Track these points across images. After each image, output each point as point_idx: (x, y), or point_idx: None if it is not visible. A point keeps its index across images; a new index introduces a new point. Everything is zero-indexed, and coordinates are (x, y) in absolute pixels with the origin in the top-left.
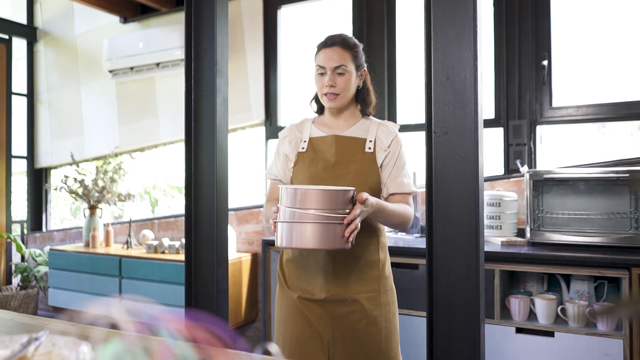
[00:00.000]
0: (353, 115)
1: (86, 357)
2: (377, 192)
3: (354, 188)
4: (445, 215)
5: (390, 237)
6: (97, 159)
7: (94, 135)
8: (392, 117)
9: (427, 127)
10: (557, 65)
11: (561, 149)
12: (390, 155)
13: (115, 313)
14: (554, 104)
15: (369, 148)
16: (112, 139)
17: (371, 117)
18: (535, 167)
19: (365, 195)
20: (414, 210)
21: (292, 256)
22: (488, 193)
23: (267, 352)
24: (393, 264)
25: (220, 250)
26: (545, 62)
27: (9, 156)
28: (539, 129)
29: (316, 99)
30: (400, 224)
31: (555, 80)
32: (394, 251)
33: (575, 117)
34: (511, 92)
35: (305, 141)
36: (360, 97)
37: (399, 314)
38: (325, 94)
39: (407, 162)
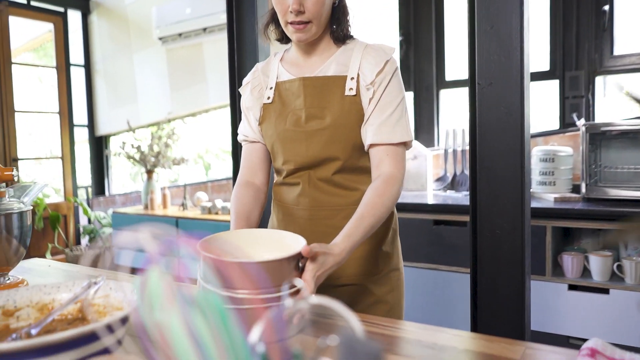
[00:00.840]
0: (330, 45)
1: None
2: (366, 151)
3: (303, 242)
4: (489, 168)
5: (438, 195)
6: (152, 125)
7: (147, 102)
8: (441, 75)
9: (471, 78)
10: (620, 10)
11: (622, 101)
12: (373, 91)
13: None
14: (616, 52)
15: (350, 89)
16: (164, 105)
17: (354, 39)
18: (593, 121)
19: (316, 248)
20: (402, 168)
21: (275, 225)
22: (541, 148)
23: (292, 286)
24: (440, 222)
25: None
26: (606, 7)
27: (71, 125)
28: (598, 80)
29: (275, 21)
30: (384, 219)
31: (617, 27)
32: (441, 209)
33: (638, 66)
34: (568, 41)
35: (271, 88)
36: (334, 18)
37: (448, 270)
38: (291, 23)
39: (402, 100)
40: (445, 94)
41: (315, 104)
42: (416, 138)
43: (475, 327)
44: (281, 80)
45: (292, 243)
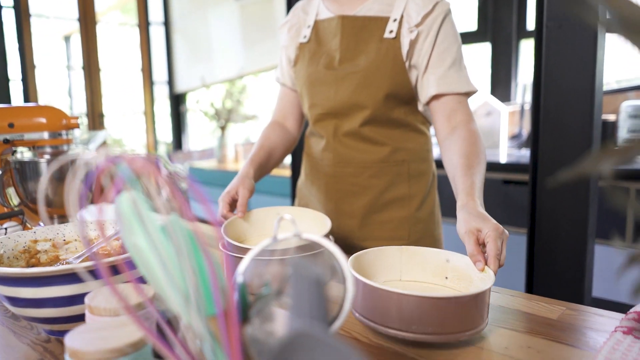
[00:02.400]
0: None
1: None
2: (402, 102)
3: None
4: (555, 121)
5: (512, 154)
6: (225, 81)
7: (221, 59)
8: (522, 23)
9: (537, 20)
10: None
11: None
12: (425, 36)
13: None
14: None
15: (390, 32)
16: (237, 61)
17: None
18: None
19: (470, 228)
20: (474, 119)
21: (303, 179)
22: (631, 103)
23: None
24: (510, 181)
25: None
26: None
27: (152, 83)
28: None
29: None
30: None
31: None
32: (512, 168)
33: None
34: None
35: (309, 26)
36: None
37: (515, 233)
38: None
39: (460, 47)
40: (526, 45)
41: (352, 45)
42: (492, 93)
43: (530, 290)
44: (320, 18)
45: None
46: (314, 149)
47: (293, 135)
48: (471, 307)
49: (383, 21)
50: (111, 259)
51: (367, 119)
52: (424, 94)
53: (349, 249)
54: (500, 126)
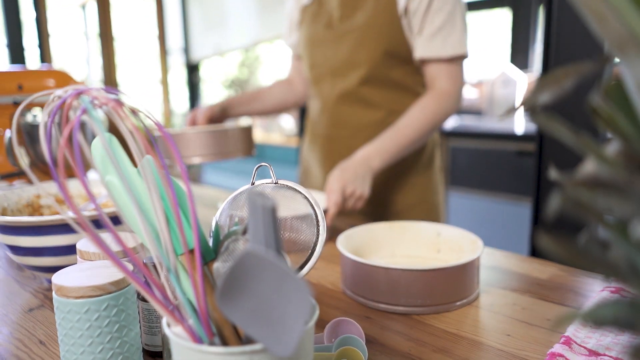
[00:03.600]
0: None
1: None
2: (401, 62)
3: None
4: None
5: (530, 125)
6: (240, 49)
7: (236, 26)
8: None
9: None
10: None
11: None
12: None
13: None
14: None
15: None
16: (252, 28)
17: None
18: None
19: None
20: (458, 84)
21: (306, 143)
22: None
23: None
24: (521, 152)
25: None
26: None
27: (166, 51)
28: None
29: None
30: (433, 130)
31: None
32: (527, 139)
33: None
34: None
35: None
36: None
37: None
38: None
39: (457, 6)
40: None
41: (350, 3)
42: (512, 61)
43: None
44: None
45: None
46: (312, 112)
47: (298, 94)
48: (458, 277)
49: None
50: (100, 211)
51: (364, 77)
52: (415, 56)
53: (347, 215)
54: (516, 96)
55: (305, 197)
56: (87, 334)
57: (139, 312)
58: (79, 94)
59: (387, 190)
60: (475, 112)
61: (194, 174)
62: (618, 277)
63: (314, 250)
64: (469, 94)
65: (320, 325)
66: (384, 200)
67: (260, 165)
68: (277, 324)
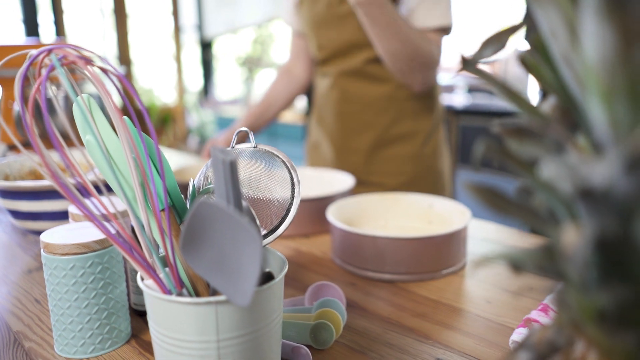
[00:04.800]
0: None
1: None
2: None
3: None
4: None
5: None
6: (253, 26)
7: (249, 3)
8: None
9: None
10: None
11: None
12: None
13: None
14: None
15: None
16: (265, 5)
17: None
18: None
19: None
20: (441, 53)
21: (314, 119)
22: None
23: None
24: None
25: None
26: None
27: (180, 28)
28: None
29: None
30: (403, 53)
31: None
32: None
33: None
34: None
35: None
36: None
37: None
38: None
39: None
40: None
41: None
42: (526, 38)
43: None
44: None
45: None
46: (320, 89)
47: (301, 82)
48: (444, 246)
49: None
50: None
51: (370, 57)
52: None
53: (356, 183)
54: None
55: (283, 161)
56: (72, 290)
57: (126, 272)
58: (49, 52)
59: (398, 163)
60: (487, 90)
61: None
62: (537, 222)
63: (289, 211)
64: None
65: (303, 290)
66: (396, 172)
67: (240, 130)
68: (234, 274)
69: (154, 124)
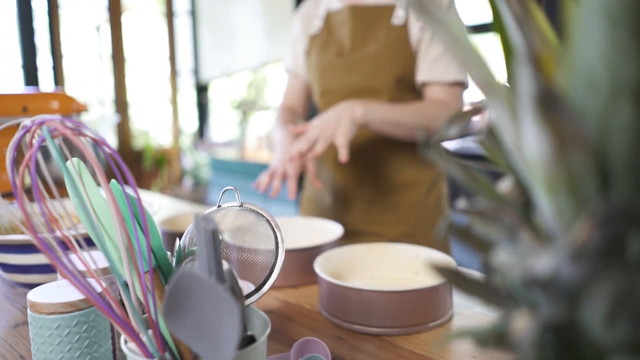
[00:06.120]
0: None
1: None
2: (413, 89)
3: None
4: None
5: None
6: (249, 70)
7: (245, 48)
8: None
9: None
10: None
11: None
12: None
13: None
14: None
15: (399, 18)
16: (260, 50)
17: None
18: None
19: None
20: (459, 106)
21: (310, 193)
22: None
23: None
24: None
25: None
26: None
27: (176, 72)
28: None
29: None
30: (416, 127)
31: None
32: None
33: None
34: None
35: (320, 18)
36: None
37: None
38: None
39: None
40: None
41: (361, 32)
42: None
43: None
44: (331, 10)
45: None
46: None
47: (300, 118)
48: (430, 299)
49: (391, 9)
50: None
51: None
52: (417, 80)
53: (356, 233)
54: None
55: (267, 220)
56: (57, 349)
57: (112, 330)
58: (41, 124)
59: (401, 214)
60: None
61: (200, 194)
62: (497, 302)
63: (272, 271)
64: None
65: (289, 344)
66: (399, 223)
67: (227, 189)
68: (215, 340)
69: (148, 166)
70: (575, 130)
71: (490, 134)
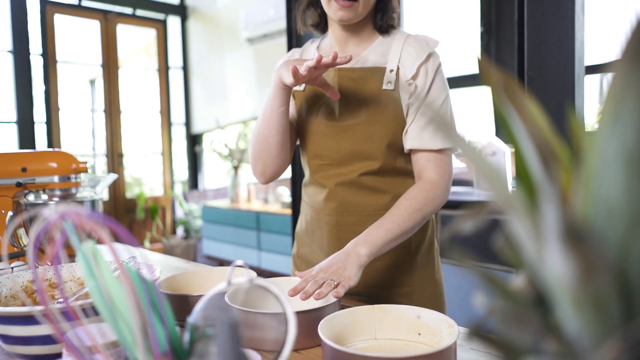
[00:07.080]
0: (370, 35)
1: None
2: (404, 152)
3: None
4: None
5: None
6: (240, 122)
7: (236, 100)
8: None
9: (519, 68)
10: None
11: None
12: (417, 89)
13: None
14: None
15: (389, 83)
16: (251, 103)
17: (395, 30)
18: None
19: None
20: (446, 173)
21: (303, 227)
22: None
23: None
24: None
25: None
26: None
27: (170, 124)
28: None
29: (315, 3)
30: (417, 225)
31: None
32: None
33: None
34: None
35: None
36: (379, 7)
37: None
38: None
39: (446, 99)
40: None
41: (350, 97)
42: (497, 134)
43: None
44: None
45: None
46: (314, 199)
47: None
48: None
49: (380, 72)
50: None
51: (371, 168)
52: (405, 147)
53: (353, 295)
54: (506, 165)
55: (277, 297)
56: None
57: None
58: (63, 217)
59: (394, 271)
60: (465, 182)
61: (192, 244)
62: None
63: (283, 348)
64: (459, 164)
65: None
66: (397, 284)
67: (237, 266)
68: None
69: (140, 215)
70: (598, 257)
71: (509, 242)
